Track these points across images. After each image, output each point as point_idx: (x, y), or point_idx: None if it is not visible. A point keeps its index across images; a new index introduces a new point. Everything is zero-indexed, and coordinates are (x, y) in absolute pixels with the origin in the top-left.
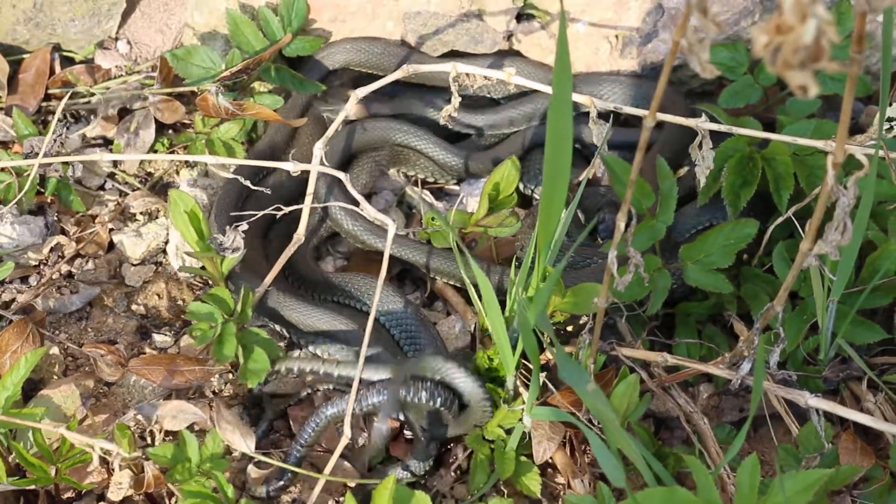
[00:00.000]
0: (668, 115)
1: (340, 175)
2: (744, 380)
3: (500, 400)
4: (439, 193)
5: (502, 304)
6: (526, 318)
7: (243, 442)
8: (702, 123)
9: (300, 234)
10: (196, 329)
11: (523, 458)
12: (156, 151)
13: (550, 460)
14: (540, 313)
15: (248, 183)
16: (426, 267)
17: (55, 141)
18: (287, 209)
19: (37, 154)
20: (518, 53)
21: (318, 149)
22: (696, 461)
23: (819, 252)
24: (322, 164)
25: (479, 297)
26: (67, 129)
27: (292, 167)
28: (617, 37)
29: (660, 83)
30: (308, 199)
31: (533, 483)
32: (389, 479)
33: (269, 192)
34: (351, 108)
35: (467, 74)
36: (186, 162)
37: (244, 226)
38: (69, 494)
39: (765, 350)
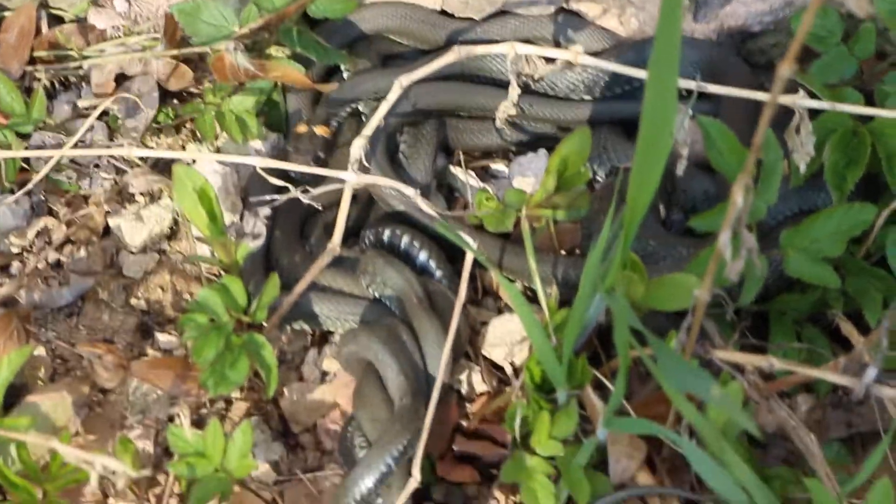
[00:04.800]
0: (740, 88)
1: (409, 191)
2: (869, 389)
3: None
4: (484, 174)
5: (569, 301)
6: (622, 309)
7: None
8: (800, 101)
9: (335, 245)
10: (188, 319)
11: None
12: (159, 123)
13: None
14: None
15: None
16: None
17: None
18: (315, 191)
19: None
20: (575, 14)
21: (358, 147)
22: (819, 486)
23: None
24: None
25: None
26: (55, 98)
27: (353, 178)
28: None
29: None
30: (343, 207)
31: None
32: None
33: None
34: (393, 100)
35: (527, 59)
36: (193, 134)
37: (266, 210)
38: None
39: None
